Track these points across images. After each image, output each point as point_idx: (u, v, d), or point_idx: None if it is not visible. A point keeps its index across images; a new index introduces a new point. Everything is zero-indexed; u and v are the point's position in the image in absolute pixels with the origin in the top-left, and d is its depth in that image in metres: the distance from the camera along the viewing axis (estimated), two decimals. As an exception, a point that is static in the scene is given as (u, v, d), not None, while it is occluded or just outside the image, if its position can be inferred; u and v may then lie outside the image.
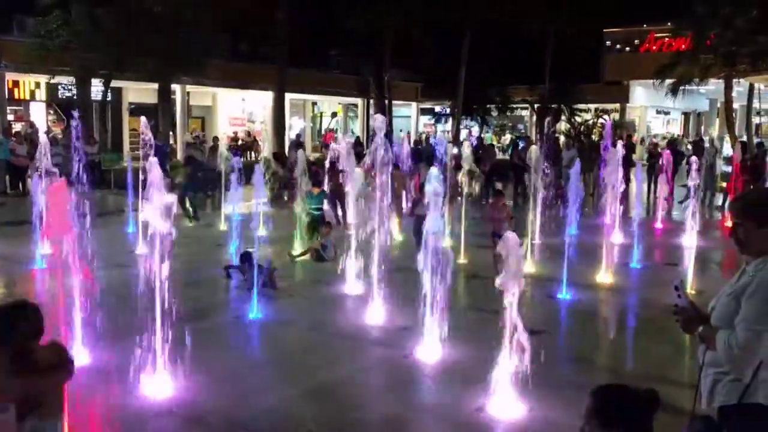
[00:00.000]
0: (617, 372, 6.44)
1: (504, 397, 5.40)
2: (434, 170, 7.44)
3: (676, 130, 45.38)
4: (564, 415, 5.19)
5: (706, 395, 3.05)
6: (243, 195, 13.39)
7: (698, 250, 10.70)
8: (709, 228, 14.33)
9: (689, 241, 11.20)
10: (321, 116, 41.67)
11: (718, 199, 18.73)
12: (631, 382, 2.52)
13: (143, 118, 13.01)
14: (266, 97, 30.92)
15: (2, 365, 3.29)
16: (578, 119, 37.37)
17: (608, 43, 38.98)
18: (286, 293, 8.96)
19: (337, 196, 14.07)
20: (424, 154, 20.44)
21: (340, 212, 14.02)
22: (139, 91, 27.88)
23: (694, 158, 11.68)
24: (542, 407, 5.43)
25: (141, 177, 10.73)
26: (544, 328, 7.44)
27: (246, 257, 9.33)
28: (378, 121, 8.63)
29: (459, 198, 12.98)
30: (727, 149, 23.90)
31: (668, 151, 16.66)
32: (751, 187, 14.74)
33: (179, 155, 21.44)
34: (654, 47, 35.35)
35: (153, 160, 5.96)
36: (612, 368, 6.61)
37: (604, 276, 9.96)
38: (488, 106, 38.50)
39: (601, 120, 35.31)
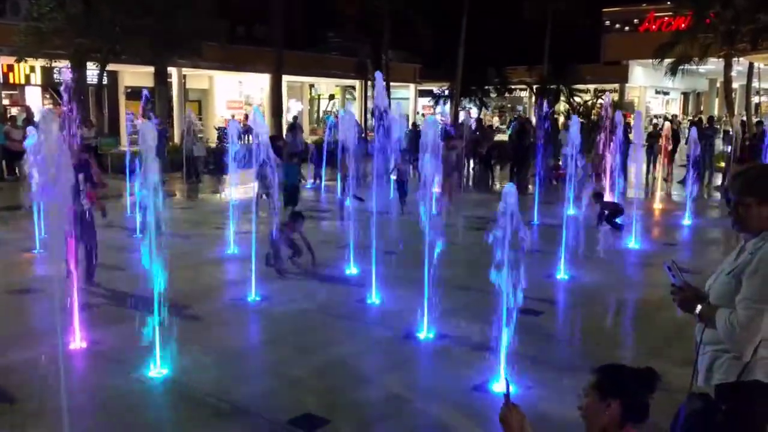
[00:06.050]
0: (614, 351, 6.45)
1: (502, 377, 5.41)
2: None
3: (676, 110, 45.23)
4: (562, 394, 5.21)
5: (704, 372, 3.03)
6: (242, 178, 13.34)
7: (697, 229, 10.71)
8: (707, 208, 14.32)
9: (688, 220, 11.17)
10: (319, 98, 41.47)
11: (717, 179, 18.70)
12: (628, 361, 2.54)
13: (145, 93, 12.95)
14: (263, 80, 30.73)
15: None
16: (577, 100, 37.31)
17: (607, 22, 38.73)
18: (284, 275, 8.94)
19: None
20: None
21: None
22: (136, 75, 27.70)
23: (692, 136, 11.66)
24: (540, 386, 5.45)
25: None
26: (542, 308, 7.46)
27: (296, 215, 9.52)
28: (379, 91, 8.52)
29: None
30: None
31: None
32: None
33: (176, 138, 21.36)
34: (653, 27, 35.14)
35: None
36: (609, 348, 6.60)
37: (603, 256, 9.97)
38: (487, 87, 38.29)
39: (600, 100, 35.18)
